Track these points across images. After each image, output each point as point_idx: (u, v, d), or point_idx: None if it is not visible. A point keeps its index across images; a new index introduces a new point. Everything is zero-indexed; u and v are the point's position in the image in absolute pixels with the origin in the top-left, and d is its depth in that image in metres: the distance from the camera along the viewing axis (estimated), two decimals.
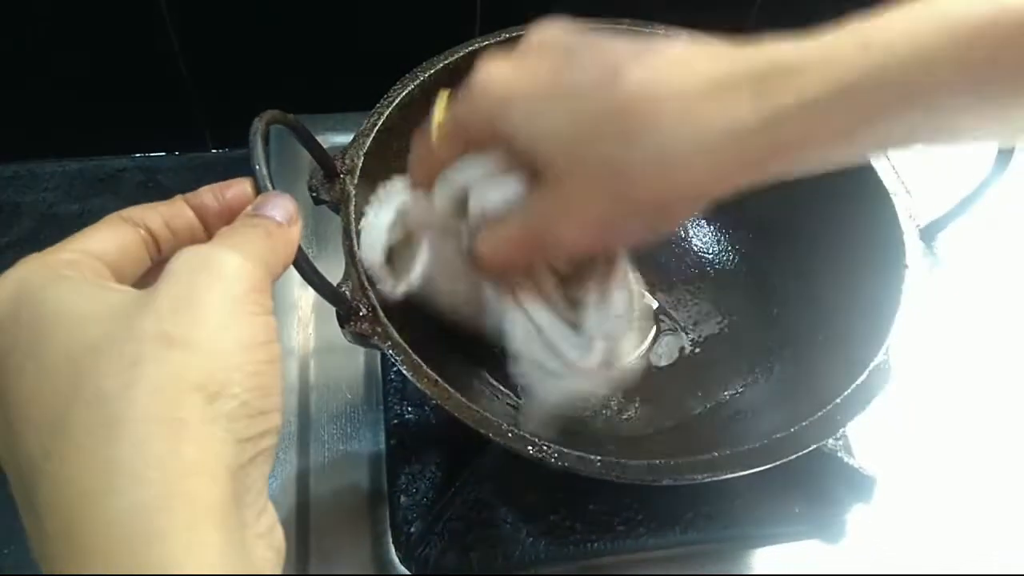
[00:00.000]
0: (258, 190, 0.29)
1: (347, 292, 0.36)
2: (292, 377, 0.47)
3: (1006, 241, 0.58)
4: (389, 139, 0.42)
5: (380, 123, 0.42)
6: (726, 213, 0.51)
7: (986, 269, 0.56)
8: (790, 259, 0.48)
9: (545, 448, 0.34)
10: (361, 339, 0.35)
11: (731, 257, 0.52)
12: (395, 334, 0.36)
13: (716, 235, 0.52)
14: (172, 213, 0.29)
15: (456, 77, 0.44)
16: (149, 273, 0.28)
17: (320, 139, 0.57)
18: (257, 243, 0.26)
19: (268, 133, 0.33)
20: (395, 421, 0.44)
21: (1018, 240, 0.58)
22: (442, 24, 0.59)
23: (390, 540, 0.42)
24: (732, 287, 0.50)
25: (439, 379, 0.35)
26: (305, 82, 0.61)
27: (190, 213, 0.29)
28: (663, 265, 0.51)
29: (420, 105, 0.43)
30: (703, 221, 0.52)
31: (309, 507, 0.43)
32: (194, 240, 0.29)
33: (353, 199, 0.39)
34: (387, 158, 0.42)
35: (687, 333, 0.49)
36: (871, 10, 0.29)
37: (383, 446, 0.45)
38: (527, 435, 0.34)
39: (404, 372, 0.35)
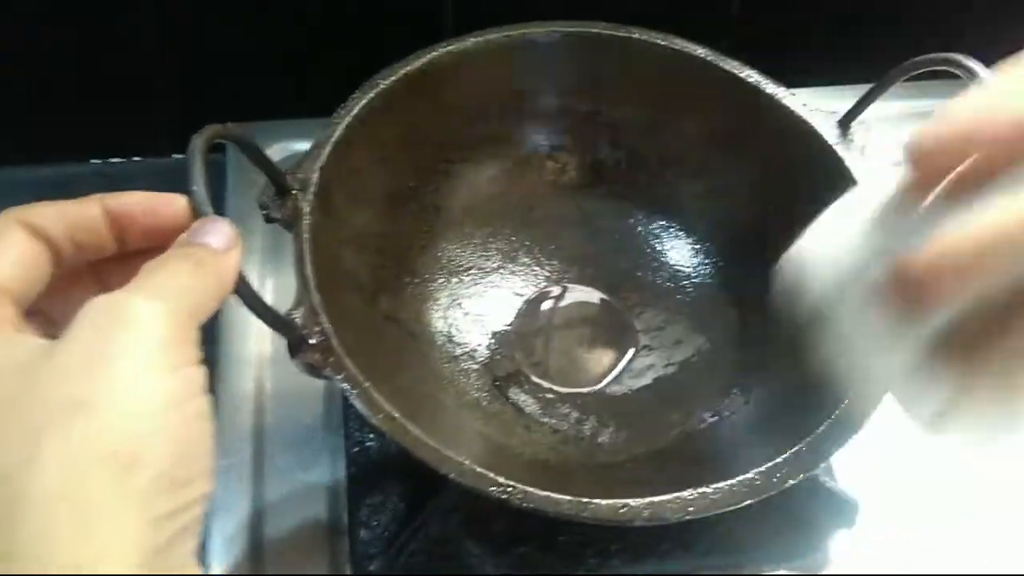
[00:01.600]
0: (196, 214, 0.26)
1: (298, 319, 0.34)
2: (248, 396, 0.45)
3: None
4: (347, 152, 0.40)
5: (336, 136, 0.40)
6: (702, 222, 0.49)
7: None
8: (767, 270, 0.46)
9: (509, 489, 0.32)
10: (312, 370, 0.33)
11: (708, 271, 0.49)
12: (350, 364, 0.33)
13: (692, 247, 0.50)
14: (80, 221, 0.26)
15: (418, 85, 0.43)
16: (48, 293, 0.25)
17: (287, 146, 0.57)
18: (183, 281, 0.23)
19: (209, 148, 0.30)
20: (356, 449, 0.42)
21: None
22: (413, 25, 0.57)
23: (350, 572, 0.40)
24: (710, 302, 0.48)
25: (396, 414, 0.33)
26: (272, 85, 0.59)
27: (101, 223, 0.26)
28: (638, 280, 0.49)
29: (380, 115, 0.42)
30: (680, 232, 0.50)
31: (263, 542, 0.41)
32: (101, 252, 0.26)
33: (307, 217, 0.37)
34: (345, 172, 0.40)
35: (664, 352, 0.47)
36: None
37: (343, 475, 0.43)
38: (489, 474, 0.32)
39: (358, 407, 0.33)
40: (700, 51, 0.46)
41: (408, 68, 0.43)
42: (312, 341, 0.33)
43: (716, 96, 0.46)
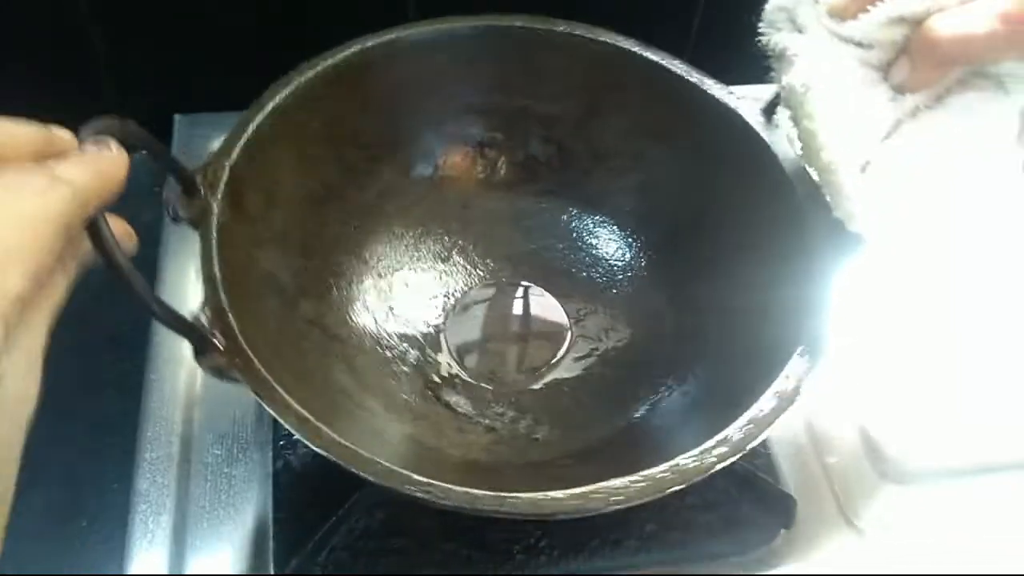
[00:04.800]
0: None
1: (204, 320, 0.33)
2: (178, 391, 0.45)
3: None
4: (260, 150, 0.39)
5: (249, 133, 0.39)
6: (634, 216, 0.49)
7: None
8: (701, 262, 0.46)
9: (428, 487, 0.31)
10: (218, 373, 0.32)
11: (642, 263, 0.49)
12: (259, 367, 0.32)
13: (625, 239, 0.50)
14: None
15: (340, 79, 0.42)
16: None
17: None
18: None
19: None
20: (282, 442, 0.42)
21: None
22: (373, 12, 0.56)
23: (271, 571, 0.40)
24: (644, 296, 0.48)
25: (309, 416, 0.32)
26: (228, 79, 0.59)
27: None
28: (573, 276, 0.49)
29: (298, 111, 0.41)
30: (614, 226, 0.50)
31: (186, 538, 0.40)
32: None
33: (215, 217, 0.36)
34: (256, 171, 0.39)
35: (599, 345, 0.46)
36: None
37: (270, 470, 0.42)
38: (403, 472, 0.31)
39: (268, 410, 0.32)
40: (625, 43, 0.45)
41: (328, 62, 0.41)
42: (217, 342, 0.32)
43: (644, 87, 0.45)
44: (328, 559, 0.39)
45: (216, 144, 0.55)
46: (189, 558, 0.40)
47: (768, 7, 0.38)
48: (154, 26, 0.55)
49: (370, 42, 0.42)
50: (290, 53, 0.57)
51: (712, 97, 0.43)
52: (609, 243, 0.50)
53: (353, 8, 0.55)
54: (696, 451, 0.33)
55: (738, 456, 0.33)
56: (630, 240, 0.50)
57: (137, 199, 0.58)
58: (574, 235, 0.50)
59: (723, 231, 0.45)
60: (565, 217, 0.50)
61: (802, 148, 0.36)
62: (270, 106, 0.39)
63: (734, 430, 0.33)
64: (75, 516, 0.42)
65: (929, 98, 0.36)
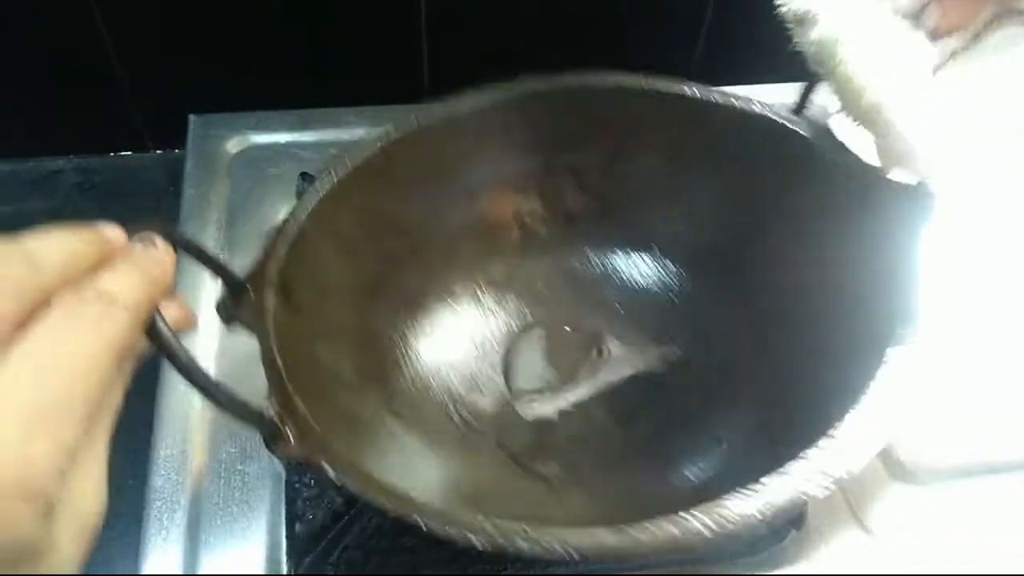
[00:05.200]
0: None
1: (272, 411, 0.31)
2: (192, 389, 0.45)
3: None
4: (304, 249, 0.38)
5: (292, 235, 0.38)
6: (681, 244, 0.48)
7: None
8: (763, 275, 0.45)
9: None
10: (292, 460, 0.31)
11: (704, 290, 0.48)
12: (337, 453, 0.31)
13: (677, 271, 0.49)
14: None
15: (371, 172, 0.41)
16: None
17: (245, 137, 0.58)
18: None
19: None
20: None
21: None
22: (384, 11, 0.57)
23: (284, 569, 0.40)
24: (714, 325, 0.46)
25: (405, 494, 0.30)
26: (243, 79, 0.59)
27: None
28: (634, 319, 0.48)
29: (333, 210, 0.40)
30: (666, 260, 0.49)
31: (199, 539, 0.40)
32: None
33: (271, 316, 0.35)
34: (304, 269, 0.38)
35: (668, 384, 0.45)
36: None
37: (283, 467, 0.42)
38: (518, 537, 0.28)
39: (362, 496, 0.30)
40: (634, 81, 0.44)
41: (361, 158, 0.41)
42: (288, 432, 0.31)
43: (664, 119, 0.44)
44: (340, 557, 0.40)
45: (231, 145, 0.57)
46: (203, 555, 0.40)
47: None
48: (168, 28, 0.56)
49: (392, 138, 0.42)
50: (305, 53, 0.58)
51: (736, 109, 0.43)
52: (663, 277, 0.49)
53: (364, 6, 0.55)
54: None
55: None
56: (682, 271, 0.49)
57: (151, 198, 0.60)
58: (627, 278, 0.49)
59: (780, 239, 0.44)
60: (615, 262, 0.50)
61: (841, 100, 0.36)
62: (310, 206, 0.39)
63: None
64: None
65: (965, 40, 0.36)
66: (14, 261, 0.22)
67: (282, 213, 0.51)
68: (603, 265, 0.50)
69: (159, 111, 0.60)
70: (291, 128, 0.58)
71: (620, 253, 0.50)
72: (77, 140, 0.61)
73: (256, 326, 0.34)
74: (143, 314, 0.24)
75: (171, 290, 0.26)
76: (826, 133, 0.41)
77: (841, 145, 0.40)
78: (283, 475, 0.42)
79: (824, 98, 0.39)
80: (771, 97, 0.43)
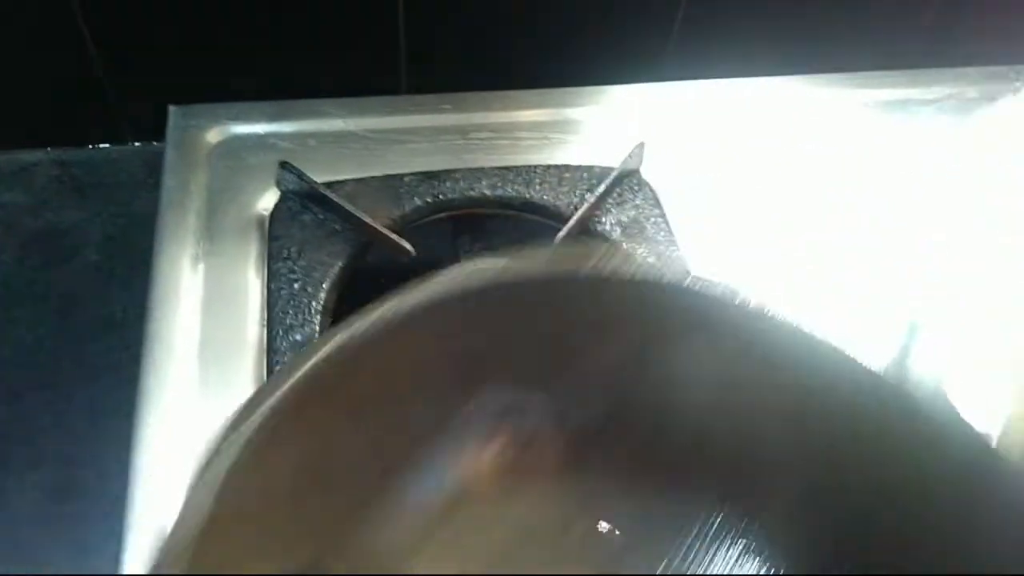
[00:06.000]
0: None
1: None
2: (173, 374, 0.44)
3: None
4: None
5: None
6: (732, 482, 0.35)
7: None
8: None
9: None
10: None
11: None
12: None
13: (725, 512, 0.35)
14: None
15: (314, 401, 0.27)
16: None
17: (226, 128, 0.57)
18: None
19: None
20: None
21: None
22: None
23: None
24: None
25: None
26: (222, 71, 0.60)
27: None
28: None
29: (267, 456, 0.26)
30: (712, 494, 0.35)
31: None
32: None
33: None
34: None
35: None
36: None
37: None
38: None
39: None
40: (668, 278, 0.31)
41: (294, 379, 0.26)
42: None
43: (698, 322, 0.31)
44: None
45: (210, 136, 0.57)
46: None
47: None
48: (146, 19, 0.56)
49: (354, 343, 0.27)
50: (288, 43, 0.58)
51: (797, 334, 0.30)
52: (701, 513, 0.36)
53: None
54: None
55: None
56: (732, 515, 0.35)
57: (129, 191, 0.59)
58: (651, 517, 0.36)
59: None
60: (632, 500, 0.36)
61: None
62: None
63: None
64: (73, 498, 0.42)
65: None
66: None
67: (261, 202, 0.53)
68: (625, 503, 0.36)
69: (137, 103, 0.60)
70: (270, 118, 0.58)
71: (648, 489, 0.36)
72: (54, 132, 0.60)
73: None
74: None
75: None
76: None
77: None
78: None
79: None
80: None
